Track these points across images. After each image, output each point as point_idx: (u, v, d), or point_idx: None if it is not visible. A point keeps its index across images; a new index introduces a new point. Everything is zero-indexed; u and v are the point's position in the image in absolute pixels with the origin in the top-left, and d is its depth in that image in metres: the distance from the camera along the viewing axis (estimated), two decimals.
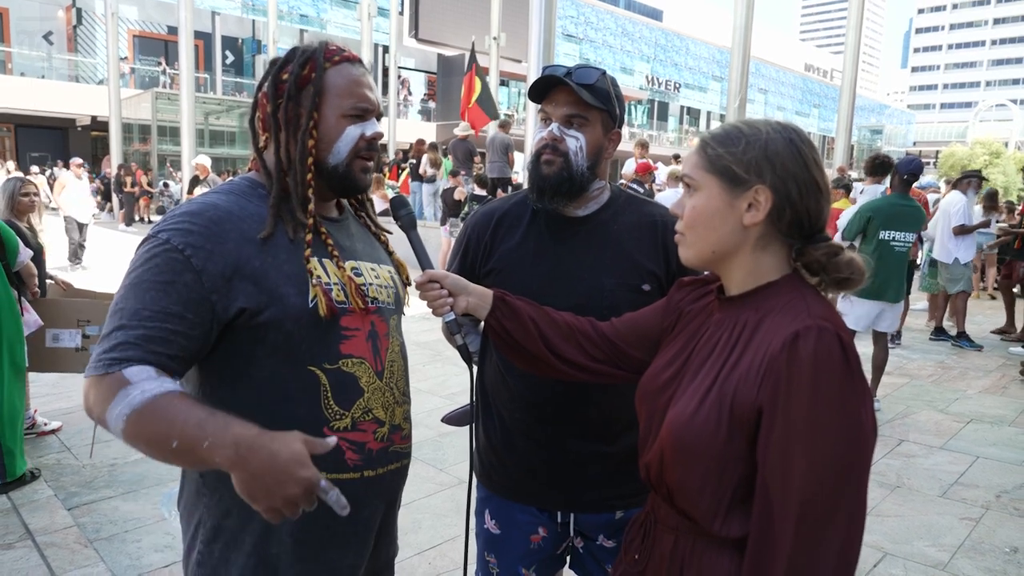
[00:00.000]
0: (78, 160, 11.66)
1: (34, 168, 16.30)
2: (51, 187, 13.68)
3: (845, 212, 5.66)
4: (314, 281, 1.19)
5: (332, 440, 1.02)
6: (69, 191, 10.94)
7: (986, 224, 7.81)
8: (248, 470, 0.97)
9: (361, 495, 1.26)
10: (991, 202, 9.52)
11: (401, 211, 1.41)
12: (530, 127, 7.37)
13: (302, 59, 1.24)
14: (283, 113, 1.23)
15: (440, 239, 10.09)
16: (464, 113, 12.84)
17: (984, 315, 8.91)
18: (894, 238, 4.85)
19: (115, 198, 17.89)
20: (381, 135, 1.30)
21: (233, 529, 1.21)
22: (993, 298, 10.39)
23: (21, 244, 3.68)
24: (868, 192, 6.34)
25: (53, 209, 11.76)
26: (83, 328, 3.92)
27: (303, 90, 1.23)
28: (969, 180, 7.77)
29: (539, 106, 1.55)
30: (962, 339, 7.39)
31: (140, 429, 1.03)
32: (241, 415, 1.03)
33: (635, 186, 7.68)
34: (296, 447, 0.97)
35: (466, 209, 9.73)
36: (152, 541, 3.00)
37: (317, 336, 1.19)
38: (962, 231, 7.37)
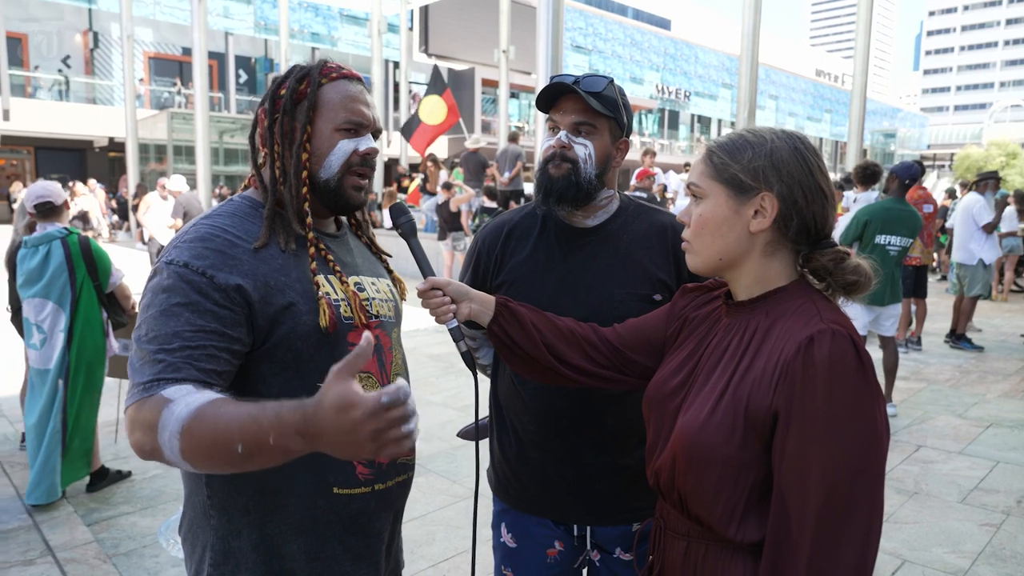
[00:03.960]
0: (164, 180, 10.25)
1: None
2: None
3: (840, 220, 5.68)
4: (320, 295, 1.20)
5: (367, 339, 0.87)
6: (154, 213, 9.67)
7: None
8: (323, 445, 0.89)
9: (373, 509, 1.27)
10: (1021, 203, 9.50)
11: (401, 218, 1.40)
12: (539, 139, 7.40)
13: (299, 75, 1.26)
14: (279, 127, 1.25)
15: (442, 253, 10.12)
16: (439, 131, 12.69)
17: (1002, 318, 8.79)
18: (889, 242, 4.87)
19: (132, 217, 18.12)
20: (375, 151, 1.30)
21: (244, 550, 1.21)
22: (1006, 300, 10.26)
23: (114, 266, 3.79)
24: (861, 200, 6.34)
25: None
26: None
27: (298, 104, 1.24)
28: (987, 182, 7.76)
29: (547, 115, 1.55)
30: (962, 340, 7.34)
31: (197, 442, 0.95)
32: None
33: (640, 193, 7.72)
34: (332, 399, 0.85)
35: (476, 222, 9.75)
36: (170, 556, 3.02)
37: (325, 353, 1.20)
38: (991, 228, 7.34)
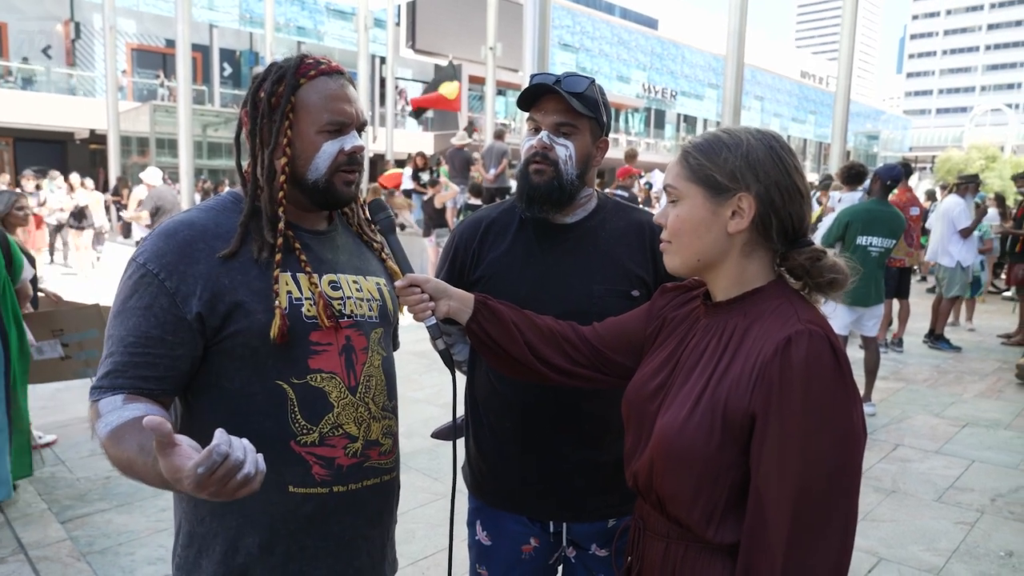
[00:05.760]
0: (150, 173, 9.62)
1: (28, 172, 15.51)
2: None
3: (824, 219, 5.72)
4: (276, 303, 1.19)
5: (152, 423, 0.86)
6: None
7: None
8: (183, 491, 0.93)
9: (331, 510, 1.25)
10: (1001, 205, 9.76)
11: (379, 215, 1.38)
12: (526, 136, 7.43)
13: (276, 76, 1.24)
14: (259, 131, 1.24)
15: (427, 250, 10.08)
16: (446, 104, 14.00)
17: (980, 318, 8.91)
18: (871, 243, 4.91)
19: (114, 211, 17.87)
20: (362, 148, 1.29)
21: (205, 535, 1.24)
22: (984, 302, 10.40)
23: (26, 263, 3.71)
24: (846, 200, 6.42)
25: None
26: (59, 337, 3.99)
27: (276, 108, 1.23)
28: (967, 185, 7.87)
29: (528, 114, 1.54)
30: (940, 341, 7.44)
31: (112, 459, 1.09)
32: (216, 426, 1.02)
33: (620, 191, 7.77)
34: (164, 471, 0.90)
35: (461, 218, 9.74)
36: (145, 554, 2.99)
37: (284, 351, 1.20)
38: (967, 233, 7.44)
